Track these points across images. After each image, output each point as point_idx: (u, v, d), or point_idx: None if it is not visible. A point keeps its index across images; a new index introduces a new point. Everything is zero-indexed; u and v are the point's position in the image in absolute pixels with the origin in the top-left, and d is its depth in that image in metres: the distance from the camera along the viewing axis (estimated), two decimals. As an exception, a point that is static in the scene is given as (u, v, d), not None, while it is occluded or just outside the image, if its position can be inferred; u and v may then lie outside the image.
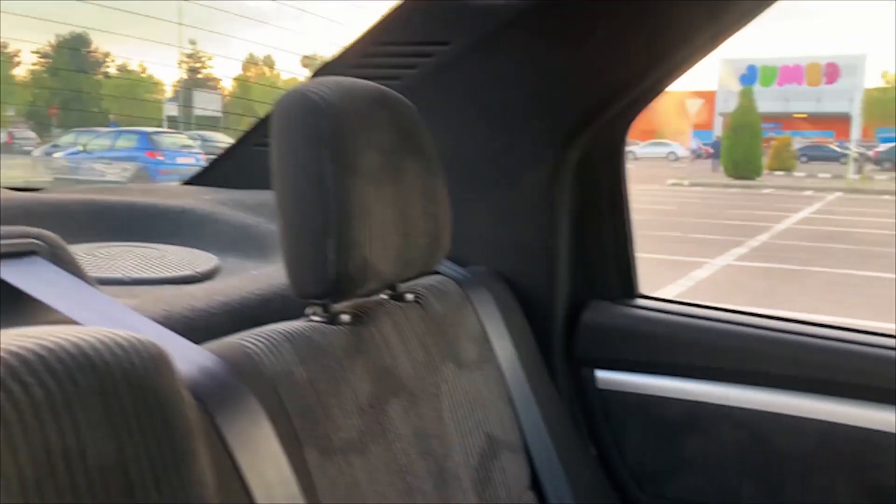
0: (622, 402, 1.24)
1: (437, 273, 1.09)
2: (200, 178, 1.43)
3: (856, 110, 32.74)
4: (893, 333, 1.13)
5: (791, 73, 37.57)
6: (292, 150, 0.78)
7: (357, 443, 0.77)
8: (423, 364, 0.92)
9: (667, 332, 1.23)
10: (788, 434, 1.13)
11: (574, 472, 1.10)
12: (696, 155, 31.71)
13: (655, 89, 1.14)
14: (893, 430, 1.06)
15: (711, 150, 26.22)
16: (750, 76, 36.22)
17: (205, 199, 1.28)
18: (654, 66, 1.07)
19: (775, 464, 1.14)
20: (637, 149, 33.02)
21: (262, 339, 0.75)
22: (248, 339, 0.74)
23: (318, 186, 0.77)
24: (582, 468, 1.15)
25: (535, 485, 1.06)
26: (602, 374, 1.25)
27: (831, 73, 36.60)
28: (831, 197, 16.64)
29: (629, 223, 1.29)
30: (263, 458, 0.66)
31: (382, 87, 0.87)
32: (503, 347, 1.09)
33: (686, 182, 19.60)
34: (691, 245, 9.44)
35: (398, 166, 0.84)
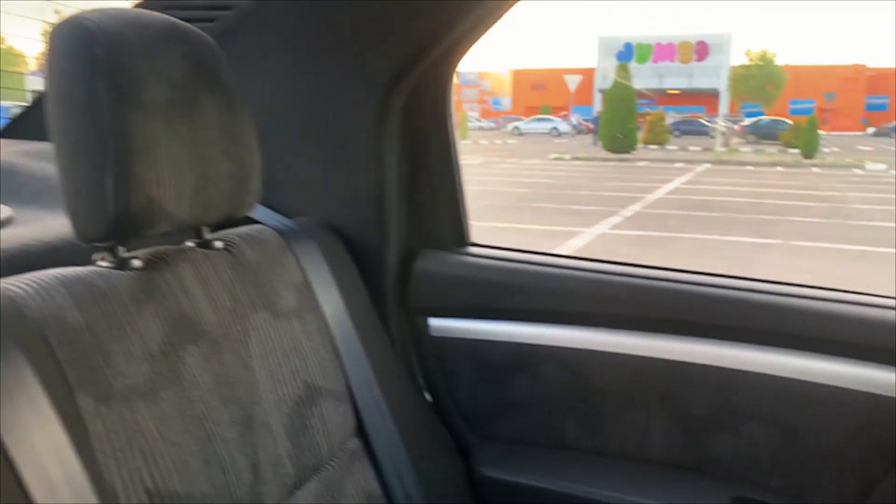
0: (455, 348, 1.26)
1: (257, 223, 1.06)
2: (8, 131, 1.33)
3: (723, 86, 34.61)
4: (697, 271, 1.20)
5: (664, 51, 39.24)
6: (66, 81, 0.73)
7: (144, 389, 0.74)
8: (230, 311, 0.89)
9: (496, 278, 1.25)
10: (607, 371, 1.17)
11: (404, 418, 1.10)
12: (578, 130, 32.69)
13: (478, 29, 1.14)
14: (699, 362, 1.12)
15: (592, 126, 27.07)
16: (626, 53, 37.55)
17: (9, 151, 1.19)
18: (474, 6, 1.07)
19: (595, 400, 1.19)
20: (522, 124, 33.73)
21: (31, 284, 0.70)
22: (13, 283, 0.69)
23: (93, 119, 0.72)
24: (414, 414, 1.16)
25: (362, 432, 1.06)
26: (435, 322, 1.26)
27: (701, 50, 38.48)
28: (700, 168, 17.54)
29: (458, 171, 1.30)
30: (21, 403, 0.62)
31: (175, 20, 0.82)
32: (329, 297, 1.07)
33: (567, 156, 20.17)
34: (569, 216, 9.74)
35: (192, 102, 0.80)
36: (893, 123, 32.37)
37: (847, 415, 1.05)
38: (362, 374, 1.08)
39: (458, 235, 1.32)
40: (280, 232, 1.05)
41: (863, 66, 43.81)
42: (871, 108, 40.96)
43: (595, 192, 12.59)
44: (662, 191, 12.88)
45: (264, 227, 1.05)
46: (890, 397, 1.02)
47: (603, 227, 8.94)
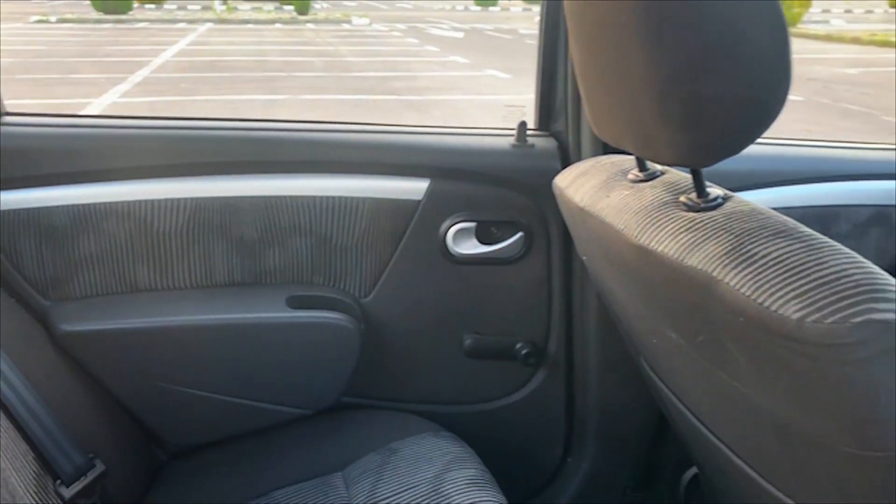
0: (9, 220, 1.26)
1: None
2: None
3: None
4: (233, 118, 1.40)
5: None
6: None
7: None
8: None
9: (42, 144, 1.27)
10: (168, 216, 1.32)
11: None
12: (59, -12, 28.77)
13: None
14: (247, 195, 1.35)
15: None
16: None
17: None
18: None
19: (161, 244, 1.34)
20: (-15, -19, 28.33)
21: None
22: None
23: None
24: None
25: None
26: None
27: None
28: (203, 28, 17.22)
29: None
30: None
31: None
32: None
33: (52, 18, 17.82)
34: (71, 86, 8.89)
35: None
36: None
37: (359, 218, 1.39)
38: None
39: None
40: None
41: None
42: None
43: (95, 58, 11.57)
44: (169, 53, 12.44)
45: None
46: (386, 199, 1.38)
47: (112, 96, 8.42)
